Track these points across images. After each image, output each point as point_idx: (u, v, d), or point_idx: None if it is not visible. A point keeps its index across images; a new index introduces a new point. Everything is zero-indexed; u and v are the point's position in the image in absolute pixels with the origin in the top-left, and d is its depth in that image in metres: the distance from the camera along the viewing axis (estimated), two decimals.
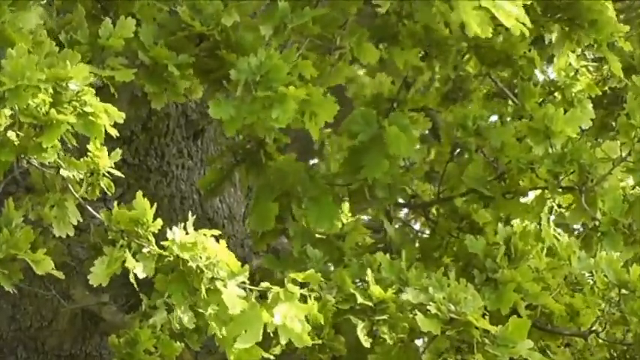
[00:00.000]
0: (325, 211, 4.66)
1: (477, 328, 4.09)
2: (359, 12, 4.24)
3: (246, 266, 3.72)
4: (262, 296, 3.79)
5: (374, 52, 4.35)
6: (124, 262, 3.61)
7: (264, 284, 3.78)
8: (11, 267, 3.69)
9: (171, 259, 3.64)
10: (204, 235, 3.66)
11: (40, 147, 3.48)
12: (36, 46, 3.63)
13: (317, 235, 4.73)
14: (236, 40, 4.14)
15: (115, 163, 3.81)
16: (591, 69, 5.10)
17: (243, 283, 3.69)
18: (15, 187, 3.90)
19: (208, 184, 5.05)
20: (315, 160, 5.07)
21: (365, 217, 5.44)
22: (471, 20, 3.66)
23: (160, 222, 3.68)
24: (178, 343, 4.09)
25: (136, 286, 3.64)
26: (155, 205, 3.76)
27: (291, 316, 3.72)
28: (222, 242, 3.69)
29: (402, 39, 4.45)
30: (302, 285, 4.04)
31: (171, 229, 3.66)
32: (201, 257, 3.64)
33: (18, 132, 3.47)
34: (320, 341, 4.08)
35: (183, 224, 3.68)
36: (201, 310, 3.63)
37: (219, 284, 3.64)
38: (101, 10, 4.13)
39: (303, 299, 3.89)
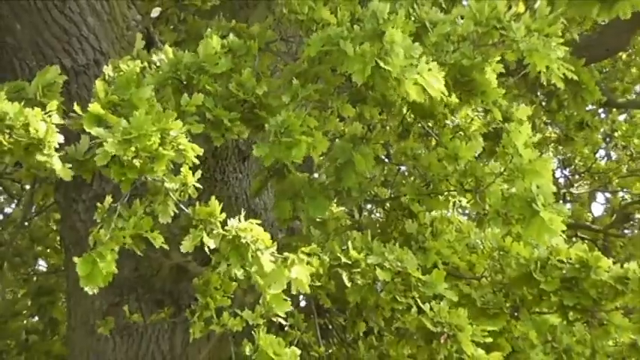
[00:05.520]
0: (319, 204, 4.61)
1: (413, 277, 4.15)
2: (342, 85, 4.20)
3: (275, 242, 3.69)
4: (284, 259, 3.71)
5: (351, 109, 4.33)
6: (202, 238, 3.62)
7: (286, 254, 3.73)
8: (138, 241, 3.69)
9: (231, 237, 3.62)
10: (252, 222, 3.66)
11: (153, 170, 3.51)
12: (150, 108, 3.65)
13: (317, 220, 4.75)
14: (266, 103, 4.10)
15: None
16: (480, 117, 5.10)
17: (273, 253, 3.66)
18: (137, 191, 3.82)
19: (254, 190, 5.07)
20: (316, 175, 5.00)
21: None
22: (412, 92, 3.67)
23: (224, 215, 3.66)
24: (233, 283, 4.08)
25: (208, 252, 3.66)
26: (221, 204, 3.70)
27: (301, 273, 3.70)
28: (261, 228, 3.69)
29: (368, 102, 4.44)
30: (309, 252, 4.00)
31: (230, 218, 3.67)
32: (248, 236, 3.62)
33: (139, 160, 3.46)
34: (320, 284, 4.12)
35: (238, 217, 3.67)
36: (247, 269, 3.61)
37: (259, 253, 3.61)
38: (183, 87, 4.08)
39: (308, 263, 3.86)
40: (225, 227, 3.64)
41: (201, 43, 4.10)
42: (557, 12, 3.97)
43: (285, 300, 3.68)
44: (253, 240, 3.61)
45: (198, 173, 3.69)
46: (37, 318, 7.10)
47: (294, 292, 3.72)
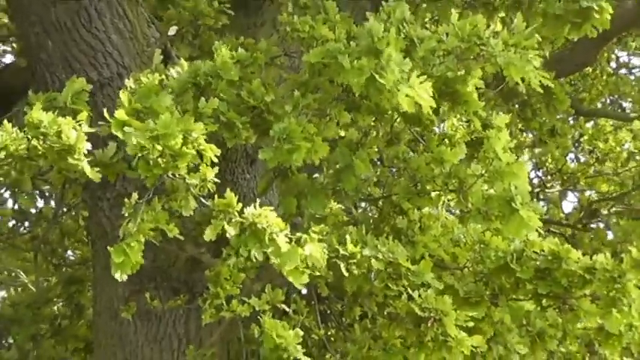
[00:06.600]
0: (319, 201, 4.61)
1: (403, 266, 4.15)
2: (338, 95, 4.21)
3: (288, 225, 3.74)
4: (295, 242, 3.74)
5: (347, 116, 4.32)
6: (222, 227, 3.65)
7: (298, 234, 3.79)
8: (155, 233, 3.73)
9: (248, 224, 3.67)
10: (265, 209, 3.71)
11: (177, 167, 3.57)
12: (170, 113, 3.68)
13: (317, 216, 4.66)
14: (273, 109, 4.12)
15: None
16: (464, 127, 5.10)
17: (286, 235, 3.71)
18: (156, 192, 3.84)
19: (260, 190, 5.11)
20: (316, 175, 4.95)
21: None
22: (403, 102, 3.72)
23: (240, 205, 3.69)
24: (242, 274, 4.04)
25: (230, 239, 3.67)
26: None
27: (315, 249, 3.76)
28: (274, 213, 3.74)
29: (362, 111, 4.40)
30: None
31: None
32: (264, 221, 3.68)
33: (163, 159, 3.53)
34: (319, 273, 4.03)
35: (253, 204, 3.71)
36: (264, 250, 3.64)
37: (274, 236, 3.65)
38: (199, 93, 4.08)
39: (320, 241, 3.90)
40: (242, 215, 3.67)
41: (216, 55, 4.15)
42: (533, 27, 4.00)
43: (303, 273, 3.69)
44: (268, 224, 3.65)
45: (216, 169, 3.74)
46: (61, 304, 7.07)
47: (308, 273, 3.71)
